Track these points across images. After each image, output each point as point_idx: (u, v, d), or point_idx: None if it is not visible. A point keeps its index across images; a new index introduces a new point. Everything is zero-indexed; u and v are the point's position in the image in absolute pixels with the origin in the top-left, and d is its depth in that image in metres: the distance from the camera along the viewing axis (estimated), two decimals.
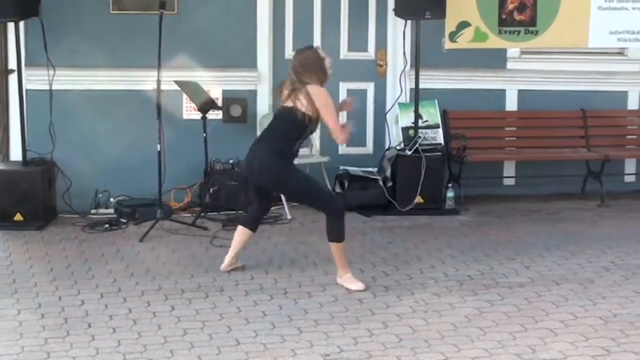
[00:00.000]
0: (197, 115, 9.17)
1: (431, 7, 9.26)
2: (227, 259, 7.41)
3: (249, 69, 9.72)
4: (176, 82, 9.09)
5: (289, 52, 9.91)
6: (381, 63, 10.07)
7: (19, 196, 8.78)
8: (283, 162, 7.04)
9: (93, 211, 9.33)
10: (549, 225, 9.05)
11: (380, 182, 9.51)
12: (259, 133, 9.63)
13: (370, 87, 10.12)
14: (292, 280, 7.22)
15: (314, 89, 6.95)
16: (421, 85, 9.42)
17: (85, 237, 8.53)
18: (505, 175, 10.40)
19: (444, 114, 9.99)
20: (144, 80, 9.16)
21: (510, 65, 10.37)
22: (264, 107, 9.77)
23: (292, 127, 7.03)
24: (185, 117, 9.59)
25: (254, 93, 9.77)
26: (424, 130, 9.68)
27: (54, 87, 9.26)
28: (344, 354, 5.70)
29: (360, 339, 5.95)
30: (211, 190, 9.26)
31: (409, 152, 9.43)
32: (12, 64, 9.20)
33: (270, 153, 7.02)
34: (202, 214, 9.07)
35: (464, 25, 9.56)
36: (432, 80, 9.79)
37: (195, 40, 9.51)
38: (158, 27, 8.41)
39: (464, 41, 9.58)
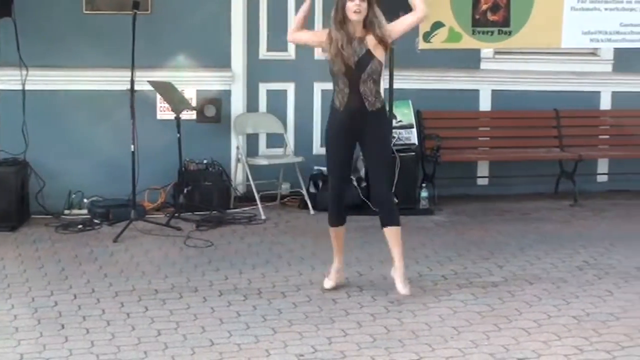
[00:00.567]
0: (171, 116, 9.16)
1: (405, 7, 9.23)
2: (333, 271, 7.01)
3: (223, 69, 9.71)
4: (150, 82, 9.07)
5: (263, 52, 9.92)
6: None
7: None
8: None
9: (66, 212, 9.29)
10: (523, 225, 9.08)
11: (355, 183, 9.51)
12: (232, 134, 9.68)
13: None
14: (266, 280, 7.21)
15: None
16: (395, 86, 9.43)
17: (58, 238, 8.49)
18: (479, 175, 10.44)
19: (418, 114, 10.01)
20: (117, 81, 9.11)
21: (483, 65, 10.41)
22: (238, 108, 9.76)
23: None
24: (159, 117, 9.57)
25: (228, 93, 9.76)
26: (398, 131, 9.69)
27: (27, 87, 9.22)
28: (318, 354, 5.69)
29: (334, 339, 5.95)
30: (185, 191, 9.24)
31: None
32: None
33: None
34: (176, 215, 9.05)
35: (437, 25, 9.55)
36: (406, 80, 9.80)
37: (169, 40, 9.49)
38: (132, 27, 8.39)
39: (438, 41, 9.58)
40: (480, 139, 10.46)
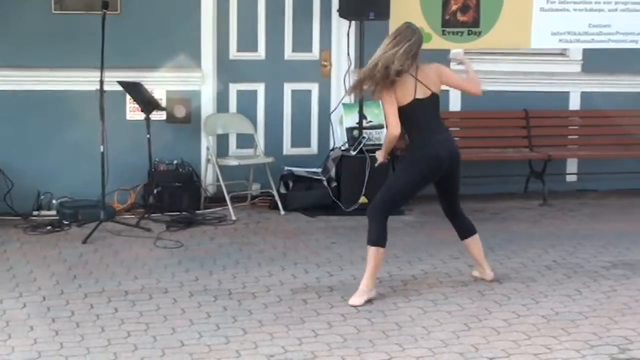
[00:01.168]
0: (141, 116, 9.12)
1: (375, 8, 9.29)
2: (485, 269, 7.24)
3: (193, 69, 9.68)
4: (119, 82, 9.04)
5: (233, 53, 9.90)
6: (325, 64, 10.08)
7: None
8: None
9: (35, 213, 9.24)
10: (492, 225, 9.11)
11: (325, 183, 9.53)
12: (202, 134, 9.65)
13: (314, 88, 10.13)
14: (237, 281, 7.20)
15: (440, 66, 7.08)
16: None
17: (27, 239, 8.44)
18: None
19: None
20: (86, 81, 9.06)
21: (453, 66, 10.40)
22: (208, 108, 9.73)
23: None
24: (128, 117, 9.52)
25: (198, 94, 9.73)
26: (368, 131, 9.70)
27: None
28: (289, 355, 5.69)
29: (305, 339, 5.96)
30: (155, 191, 9.21)
31: (354, 153, 9.45)
32: None
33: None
34: (146, 215, 9.02)
35: None
36: None
37: (139, 40, 9.45)
38: (101, 28, 8.36)
39: None
40: None
